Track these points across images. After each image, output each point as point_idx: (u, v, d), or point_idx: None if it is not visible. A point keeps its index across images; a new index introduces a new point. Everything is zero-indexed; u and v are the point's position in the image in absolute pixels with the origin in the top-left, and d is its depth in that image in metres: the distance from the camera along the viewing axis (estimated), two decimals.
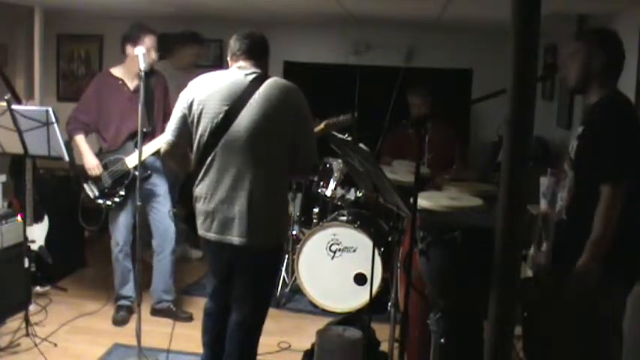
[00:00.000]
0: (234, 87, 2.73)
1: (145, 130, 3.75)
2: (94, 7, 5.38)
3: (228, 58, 2.88)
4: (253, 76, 2.76)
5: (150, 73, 3.88)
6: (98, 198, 3.93)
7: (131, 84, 3.94)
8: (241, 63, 2.82)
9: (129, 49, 3.86)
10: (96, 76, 4.23)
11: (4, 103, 3.33)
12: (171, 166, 3.08)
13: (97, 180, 3.91)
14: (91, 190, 3.92)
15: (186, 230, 3.00)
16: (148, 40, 3.83)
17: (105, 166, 3.90)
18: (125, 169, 3.89)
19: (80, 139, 3.93)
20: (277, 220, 2.89)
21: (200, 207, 2.81)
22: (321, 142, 2.96)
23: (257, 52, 2.84)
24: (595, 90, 2.51)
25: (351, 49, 5.89)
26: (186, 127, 2.82)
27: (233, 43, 2.85)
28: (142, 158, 3.46)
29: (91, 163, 3.89)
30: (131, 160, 3.83)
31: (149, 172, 3.93)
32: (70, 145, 3.92)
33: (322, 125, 3.33)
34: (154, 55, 3.87)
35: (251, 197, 2.70)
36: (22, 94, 5.39)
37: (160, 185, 4.05)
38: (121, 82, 3.94)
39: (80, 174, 3.99)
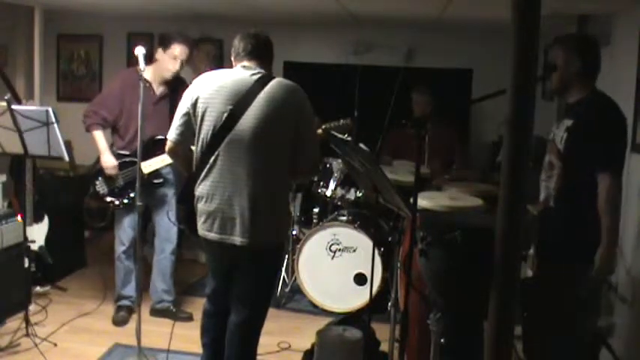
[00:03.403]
0: (238, 86, 2.71)
1: (163, 137, 3.74)
2: (94, 7, 5.38)
3: (232, 58, 2.86)
4: (258, 76, 2.74)
5: (176, 81, 3.89)
6: (107, 195, 3.92)
7: (157, 89, 3.91)
8: (246, 63, 2.80)
9: (159, 53, 3.85)
10: (122, 72, 4.11)
11: (4, 103, 3.33)
12: (176, 165, 3.06)
13: (109, 178, 3.90)
14: (101, 187, 3.91)
15: (186, 231, 2.99)
16: (178, 49, 3.80)
17: (119, 167, 3.89)
18: (140, 175, 3.88)
19: (99, 135, 3.88)
20: (279, 220, 2.88)
21: (201, 207, 2.79)
22: (321, 143, 2.96)
23: (262, 53, 2.82)
24: (575, 91, 2.68)
25: (351, 49, 5.89)
26: (190, 125, 2.81)
27: (237, 43, 2.82)
28: (158, 167, 3.56)
29: (110, 162, 3.87)
30: (146, 167, 3.81)
31: (162, 180, 3.93)
32: (70, 145, 3.92)
33: (320, 130, 3.31)
34: (178, 65, 3.83)
35: (253, 197, 2.69)
36: (22, 94, 5.38)
37: (170, 190, 4.04)
38: (148, 84, 3.85)
39: (91, 169, 3.97)
